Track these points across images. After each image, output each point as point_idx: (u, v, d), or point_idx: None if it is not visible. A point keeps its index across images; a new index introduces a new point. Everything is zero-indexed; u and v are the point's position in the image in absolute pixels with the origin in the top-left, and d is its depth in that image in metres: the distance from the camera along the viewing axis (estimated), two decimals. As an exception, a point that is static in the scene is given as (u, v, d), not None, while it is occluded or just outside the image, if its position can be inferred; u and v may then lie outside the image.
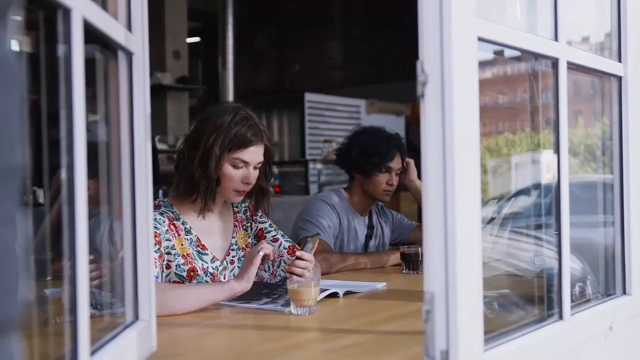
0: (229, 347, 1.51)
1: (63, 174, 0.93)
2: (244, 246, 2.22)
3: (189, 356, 1.43)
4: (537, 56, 1.45)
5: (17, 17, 0.55)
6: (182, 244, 2.05)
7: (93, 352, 1.02)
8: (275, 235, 2.25)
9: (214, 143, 2.01)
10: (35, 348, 1.05)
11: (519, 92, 1.88)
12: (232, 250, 2.18)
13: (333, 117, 7.78)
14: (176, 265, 2.01)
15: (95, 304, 1.23)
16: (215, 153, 2.01)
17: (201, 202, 2.08)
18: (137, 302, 1.28)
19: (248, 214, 2.27)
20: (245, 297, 1.96)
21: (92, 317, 1.00)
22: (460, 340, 1.08)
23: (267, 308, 1.84)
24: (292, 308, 1.77)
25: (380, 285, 2.22)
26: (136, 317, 1.28)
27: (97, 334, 1.10)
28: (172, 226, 2.04)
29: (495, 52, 1.35)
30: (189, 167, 2.05)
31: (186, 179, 2.06)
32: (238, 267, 2.16)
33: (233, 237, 2.20)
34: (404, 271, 2.52)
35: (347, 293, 2.05)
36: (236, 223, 2.23)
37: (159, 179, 4.95)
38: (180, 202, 2.12)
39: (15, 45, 0.54)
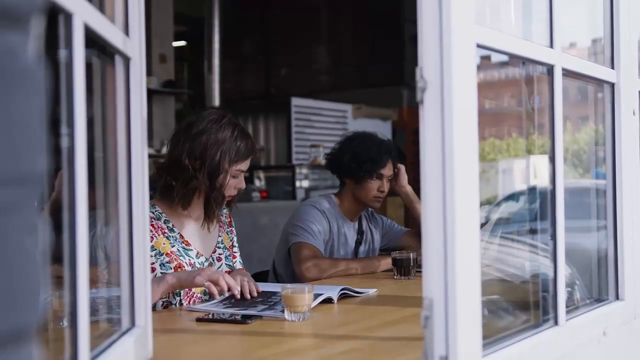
0: (224, 354, 1.50)
1: (64, 179, 0.92)
2: (229, 247, 2.30)
3: (184, 363, 1.42)
4: (533, 63, 1.46)
5: (38, 26, 0.54)
6: (164, 243, 2.09)
7: (91, 360, 1.00)
8: (236, 252, 2.35)
9: (222, 158, 2.09)
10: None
11: (506, 98, 1.89)
12: (219, 247, 2.26)
13: (320, 121, 7.76)
14: (161, 264, 2.05)
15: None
16: (225, 168, 2.10)
17: (205, 213, 2.16)
18: (133, 308, 1.27)
19: (227, 220, 2.36)
20: (240, 305, 1.95)
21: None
22: (460, 345, 1.08)
23: (265, 314, 1.82)
24: (286, 314, 1.76)
25: (372, 292, 2.21)
26: (132, 323, 1.27)
27: (93, 340, 1.09)
28: (150, 226, 2.06)
29: (482, 57, 1.35)
30: (192, 179, 2.07)
31: (190, 190, 2.10)
32: (226, 264, 2.25)
33: (219, 236, 2.27)
34: (395, 277, 2.52)
35: (342, 295, 2.05)
36: (221, 224, 2.30)
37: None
38: (166, 204, 2.16)
39: (36, 53, 0.53)
